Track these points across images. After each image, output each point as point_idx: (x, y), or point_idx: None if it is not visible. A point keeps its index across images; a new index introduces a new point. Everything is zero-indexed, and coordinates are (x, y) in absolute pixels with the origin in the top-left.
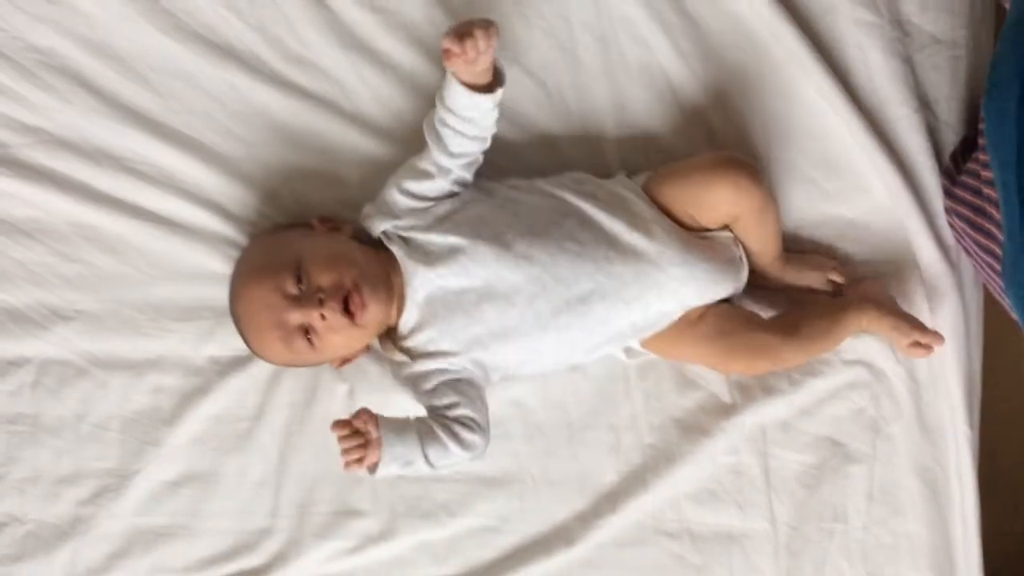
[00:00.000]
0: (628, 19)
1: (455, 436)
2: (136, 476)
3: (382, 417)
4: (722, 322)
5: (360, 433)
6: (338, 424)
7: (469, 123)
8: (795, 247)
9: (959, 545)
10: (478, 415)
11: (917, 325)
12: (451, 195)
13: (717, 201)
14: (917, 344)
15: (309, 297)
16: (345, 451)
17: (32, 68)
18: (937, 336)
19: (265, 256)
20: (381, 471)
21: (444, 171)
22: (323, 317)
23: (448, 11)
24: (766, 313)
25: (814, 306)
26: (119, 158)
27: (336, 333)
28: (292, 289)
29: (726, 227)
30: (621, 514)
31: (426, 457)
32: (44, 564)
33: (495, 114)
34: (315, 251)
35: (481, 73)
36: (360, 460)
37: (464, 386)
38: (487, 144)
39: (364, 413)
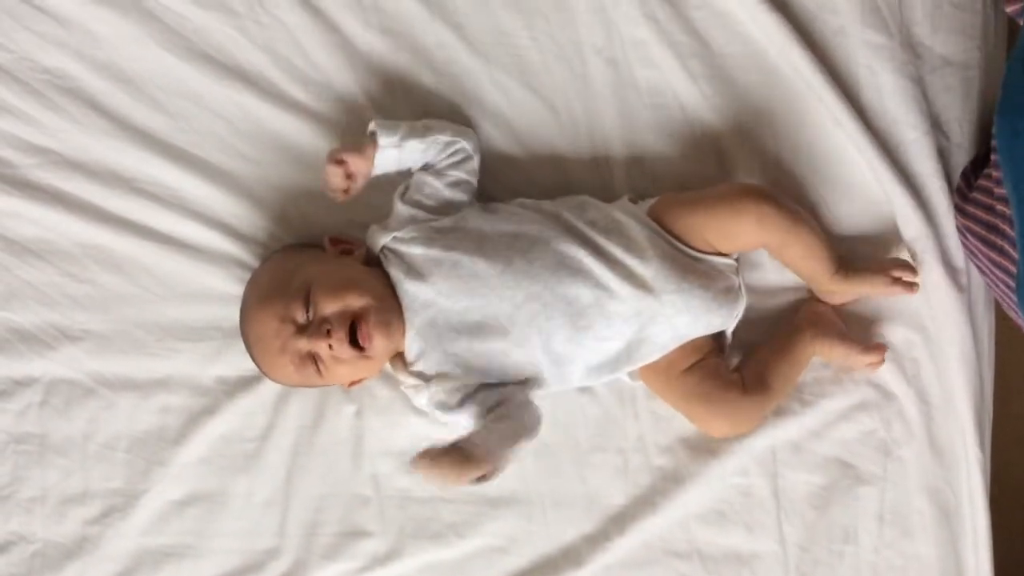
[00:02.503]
0: (639, 42)
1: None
2: (143, 496)
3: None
4: (705, 383)
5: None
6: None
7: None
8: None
9: (971, 568)
10: (519, 401)
11: (864, 348)
12: (450, 204)
13: (741, 231)
14: (870, 365)
15: (317, 327)
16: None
17: (41, 89)
18: (882, 348)
19: (275, 281)
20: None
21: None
22: (330, 347)
23: (457, 31)
24: (737, 357)
25: (770, 350)
26: (128, 178)
27: (342, 364)
28: (300, 317)
29: (727, 252)
30: (630, 535)
31: (529, 433)
32: None
33: (406, 150)
34: (324, 278)
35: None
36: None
37: (485, 391)
38: (444, 155)
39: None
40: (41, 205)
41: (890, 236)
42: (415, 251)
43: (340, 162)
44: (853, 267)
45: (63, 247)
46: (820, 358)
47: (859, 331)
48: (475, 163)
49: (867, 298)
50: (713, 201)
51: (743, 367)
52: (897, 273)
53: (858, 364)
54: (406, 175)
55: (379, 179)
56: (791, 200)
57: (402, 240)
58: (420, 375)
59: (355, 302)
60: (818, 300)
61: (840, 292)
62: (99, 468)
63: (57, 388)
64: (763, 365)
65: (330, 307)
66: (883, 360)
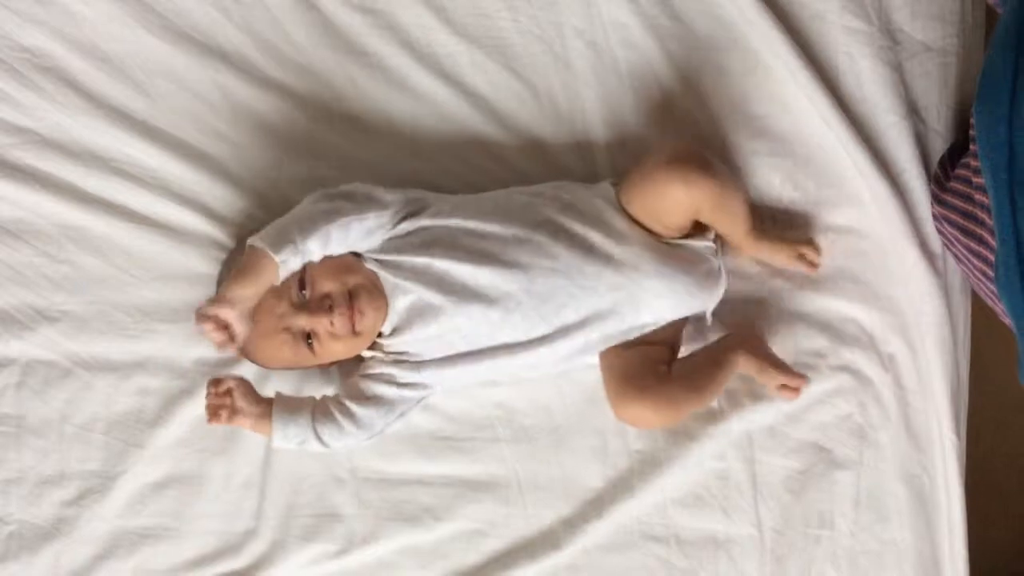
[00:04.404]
0: (620, 24)
1: (349, 414)
2: (120, 477)
3: (280, 396)
4: (633, 361)
5: (228, 395)
6: (211, 382)
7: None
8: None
9: (945, 552)
10: (381, 415)
11: (783, 369)
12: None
13: (673, 204)
14: (784, 387)
15: (318, 304)
16: (207, 407)
17: (20, 68)
18: (801, 378)
19: None
20: (276, 444)
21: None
22: (331, 324)
23: (437, 13)
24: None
25: (701, 354)
26: (107, 159)
27: (338, 340)
28: (297, 296)
29: (704, 230)
30: (607, 519)
31: (319, 437)
32: (27, 565)
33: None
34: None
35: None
36: (218, 418)
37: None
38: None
39: (236, 381)
40: (19, 185)
41: (870, 222)
42: (388, 258)
43: (211, 319)
44: (767, 233)
45: (41, 227)
46: (741, 369)
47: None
48: (369, 221)
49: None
50: (641, 180)
51: (675, 364)
52: (803, 250)
53: (772, 382)
54: None
55: (360, 164)
56: (710, 155)
57: (373, 252)
58: (380, 347)
59: (351, 280)
60: (747, 326)
61: (749, 250)
62: (76, 450)
63: (34, 369)
64: (692, 365)
65: (329, 285)
66: (798, 392)
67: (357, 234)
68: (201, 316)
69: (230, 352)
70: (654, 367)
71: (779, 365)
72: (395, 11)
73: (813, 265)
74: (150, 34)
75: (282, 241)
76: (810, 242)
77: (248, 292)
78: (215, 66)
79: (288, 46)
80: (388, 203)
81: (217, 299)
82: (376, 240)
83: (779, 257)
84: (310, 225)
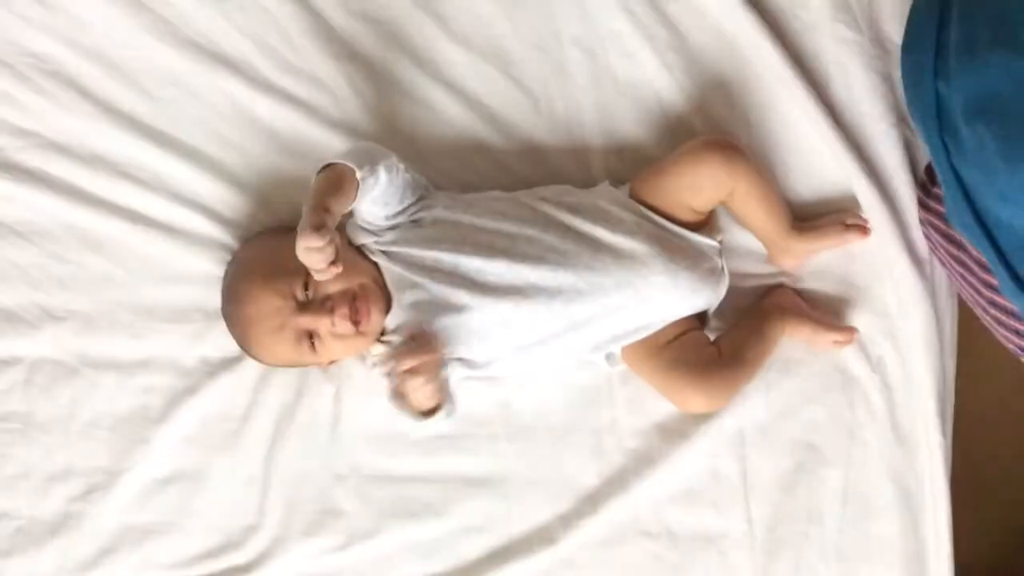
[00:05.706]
0: (616, 33)
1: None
2: (126, 474)
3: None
4: (687, 354)
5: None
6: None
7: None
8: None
9: (931, 549)
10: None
11: (832, 326)
12: (412, 204)
13: (710, 179)
14: (836, 343)
15: (320, 304)
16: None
17: (27, 72)
18: (851, 330)
19: (271, 261)
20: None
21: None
22: (333, 324)
23: (438, 20)
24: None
25: (743, 329)
26: (112, 162)
27: (340, 340)
28: (301, 295)
29: (712, 230)
30: (602, 515)
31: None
32: (34, 560)
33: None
34: None
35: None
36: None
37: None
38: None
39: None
40: (26, 187)
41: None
42: (398, 250)
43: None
44: (807, 223)
45: (48, 228)
46: (789, 337)
47: (831, 318)
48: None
49: (821, 251)
50: (679, 156)
51: (719, 342)
52: (849, 220)
53: (824, 341)
54: None
55: None
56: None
57: (383, 243)
58: (389, 344)
59: (353, 281)
60: (781, 285)
61: (796, 249)
62: (82, 446)
63: (41, 367)
64: (738, 341)
65: (332, 286)
66: (851, 340)
67: (399, 183)
68: (319, 231)
69: (331, 274)
70: (706, 350)
71: (828, 325)
72: (396, 19)
73: (865, 229)
74: (155, 39)
75: (362, 162)
76: (847, 210)
77: (341, 208)
78: (219, 71)
79: (291, 53)
80: (415, 175)
81: (321, 212)
82: (392, 208)
83: (829, 236)
84: (378, 152)
